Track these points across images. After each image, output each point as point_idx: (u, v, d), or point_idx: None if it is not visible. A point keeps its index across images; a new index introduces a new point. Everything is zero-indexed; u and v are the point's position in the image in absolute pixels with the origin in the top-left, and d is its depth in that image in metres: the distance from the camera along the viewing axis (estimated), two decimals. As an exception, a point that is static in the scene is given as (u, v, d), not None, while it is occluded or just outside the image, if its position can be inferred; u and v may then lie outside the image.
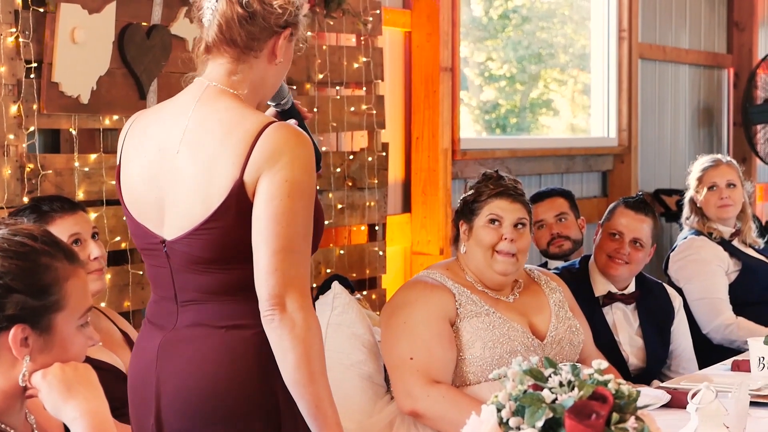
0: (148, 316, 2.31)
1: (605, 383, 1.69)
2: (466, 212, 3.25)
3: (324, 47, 4.08)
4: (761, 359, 3.15)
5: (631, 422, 1.67)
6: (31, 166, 3.11)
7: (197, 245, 2.16)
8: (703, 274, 4.29)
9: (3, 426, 1.82)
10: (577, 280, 3.71)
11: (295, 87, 3.98)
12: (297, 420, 2.18)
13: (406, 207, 4.73)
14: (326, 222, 4.09)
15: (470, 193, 3.26)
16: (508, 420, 1.68)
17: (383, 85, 4.42)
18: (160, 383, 2.21)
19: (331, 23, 4.09)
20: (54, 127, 3.25)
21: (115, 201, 3.20)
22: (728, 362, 3.49)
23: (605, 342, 3.62)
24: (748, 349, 3.28)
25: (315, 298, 3.68)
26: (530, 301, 3.26)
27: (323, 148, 4.18)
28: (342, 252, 4.19)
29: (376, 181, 4.32)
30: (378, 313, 3.69)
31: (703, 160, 4.49)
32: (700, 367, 3.77)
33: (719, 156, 4.53)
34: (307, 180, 2.14)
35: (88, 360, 1.91)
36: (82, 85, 3.21)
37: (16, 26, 3.05)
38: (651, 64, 6.41)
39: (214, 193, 2.14)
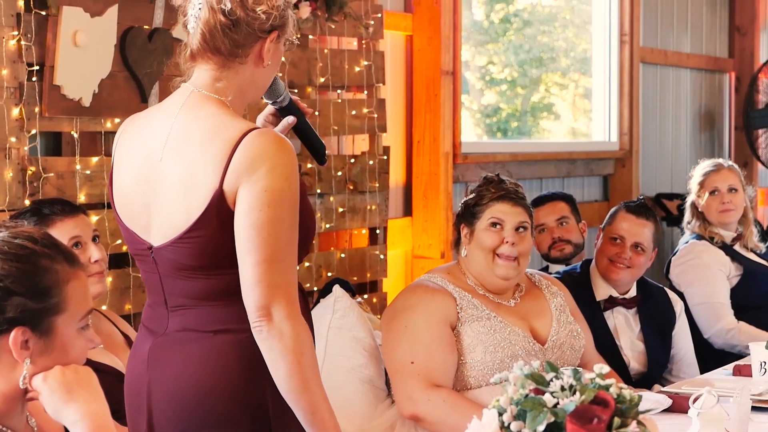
0: (143, 321, 2.32)
1: (607, 387, 1.69)
2: (467, 216, 3.25)
3: (325, 51, 4.08)
4: (763, 364, 3.15)
5: (632, 427, 1.67)
6: (33, 168, 3.11)
7: (182, 252, 2.16)
8: (704, 279, 4.28)
9: (4, 429, 1.82)
10: (578, 285, 3.70)
11: (296, 90, 3.98)
12: (287, 422, 2.18)
13: (407, 210, 4.73)
14: (328, 225, 4.10)
15: (472, 196, 3.26)
16: (509, 424, 1.68)
17: (384, 89, 4.42)
18: (150, 388, 2.21)
19: (333, 27, 4.10)
20: (56, 130, 3.25)
21: (117, 204, 3.20)
22: (730, 367, 3.48)
23: (606, 346, 3.62)
24: (749, 354, 3.28)
25: (316, 302, 3.68)
26: (531, 305, 3.26)
27: (325, 152, 4.18)
28: (343, 255, 4.19)
29: (377, 185, 4.32)
30: (379, 316, 3.69)
31: (705, 165, 4.49)
32: (702, 372, 3.77)
33: (721, 160, 4.53)
34: (287, 188, 2.11)
35: (89, 362, 1.91)
36: (83, 88, 3.22)
37: (18, 29, 3.06)
38: (652, 68, 6.41)
39: (195, 201, 2.13)
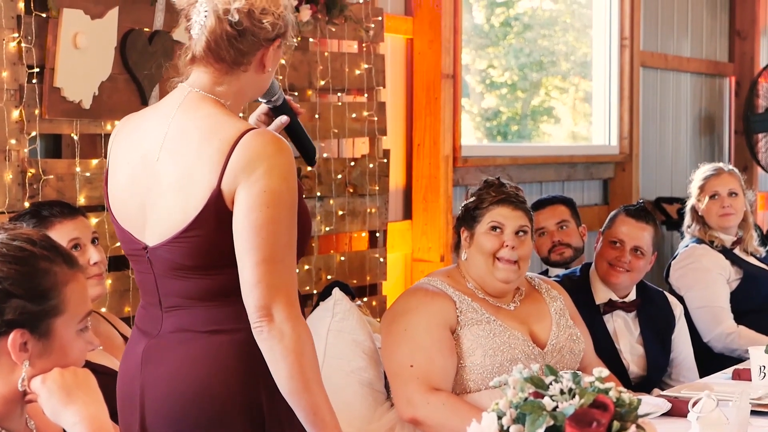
0: (136, 322, 2.31)
1: (606, 391, 1.69)
2: (467, 219, 3.25)
3: (326, 54, 4.08)
4: (762, 368, 3.15)
5: (632, 430, 1.67)
6: (33, 171, 3.11)
7: (178, 252, 2.15)
8: (704, 283, 4.28)
9: (3, 431, 1.82)
10: (577, 288, 3.70)
11: (296, 93, 3.98)
12: (281, 422, 2.18)
13: (407, 214, 4.73)
14: (327, 228, 4.10)
15: (472, 200, 3.26)
16: (508, 427, 1.68)
17: (385, 92, 4.42)
18: (144, 389, 2.21)
19: (333, 30, 4.10)
20: (55, 132, 3.25)
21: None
22: (729, 371, 3.48)
23: (606, 350, 3.62)
24: (749, 358, 3.28)
25: (315, 305, 3.68)
26: (531, 309, 3.25)
27: (325, 154, 4.18)
28: (343, 258, 4.19)
29: (377, 188, 4.32)
30: (378, 319, 3.69)
31: (705, 169, 4.49)
32: (701, 376, 3.76)
33: (721, 164, 4.52)
34: (286, 188, 2.11)
35: (88, 364, 1.91)
36: (83, 91, 3.22)
37: (19, 31, 3.06)
38: (652, 72, 6.42)
39: (192, 201, 2.12)
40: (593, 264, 3.83)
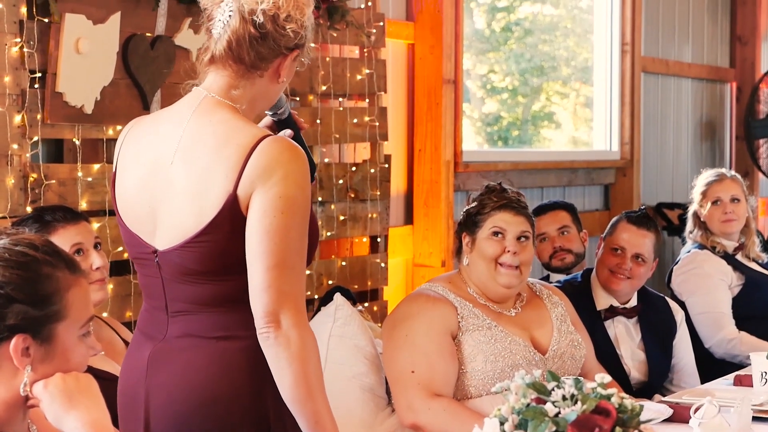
0: (139, 326, 2.30)
1: (608, 397, 1.69)
2: (469, 224, 3.25)
3: (327, 59, 4.09)
4: (764, 374, 3.14)
5: (634, 436, 1.67)
6: (35, 175, 3.11)
7: (189, 257, 2.15)
8: (705, 288, 4.28)
9: (4, 436, 1.82)
10: (578, 294, 3.70)
11: (298, 98, 3.99)
12: (286, 428, 2.18)
13: (408, 219, 4.73)
14: (329, 233, 4.10)
15: (473, 205, 3.26)
16: (510, 433, 1.68)
17: (386, 97, 4.42)
18: (149, 395, 2.20)
19: (335, 35, 4.10)
20: (57, 137, 3.25)
21: (118, 211, 3.20)
22: (730, 377, 3.48)
23: (607, 356, 3.61)
24: (750, 364, 3.27)
25: (317, 310, 3.68)
26: (532, 314, 3.25)
27: (326, 160, 4.18)
28: (344, 263, 4.19)
29: (379, 193, 4.32)
30: (380, 325, 3.69)
31: (707, 175, 4.49)
32: (702, 382, 3.76)
33: (723, 170, 4.52)
34: (300, 195, 2.12)
35: (90, 369, 1.91)
36: (86, 96, 3.22)
37: (21, 36, 3.06)
38: (653, 78, 6.42)
39: (207, 206, 2.12)
40: (594, 270, 3.83)
